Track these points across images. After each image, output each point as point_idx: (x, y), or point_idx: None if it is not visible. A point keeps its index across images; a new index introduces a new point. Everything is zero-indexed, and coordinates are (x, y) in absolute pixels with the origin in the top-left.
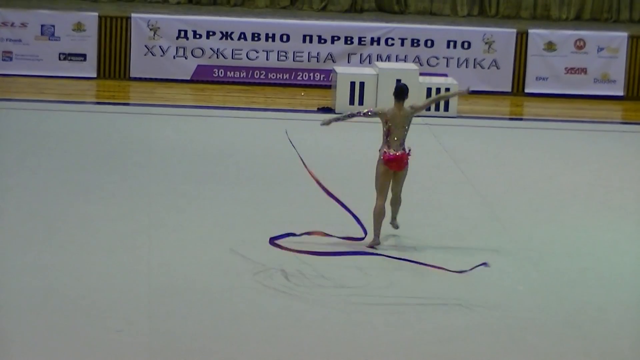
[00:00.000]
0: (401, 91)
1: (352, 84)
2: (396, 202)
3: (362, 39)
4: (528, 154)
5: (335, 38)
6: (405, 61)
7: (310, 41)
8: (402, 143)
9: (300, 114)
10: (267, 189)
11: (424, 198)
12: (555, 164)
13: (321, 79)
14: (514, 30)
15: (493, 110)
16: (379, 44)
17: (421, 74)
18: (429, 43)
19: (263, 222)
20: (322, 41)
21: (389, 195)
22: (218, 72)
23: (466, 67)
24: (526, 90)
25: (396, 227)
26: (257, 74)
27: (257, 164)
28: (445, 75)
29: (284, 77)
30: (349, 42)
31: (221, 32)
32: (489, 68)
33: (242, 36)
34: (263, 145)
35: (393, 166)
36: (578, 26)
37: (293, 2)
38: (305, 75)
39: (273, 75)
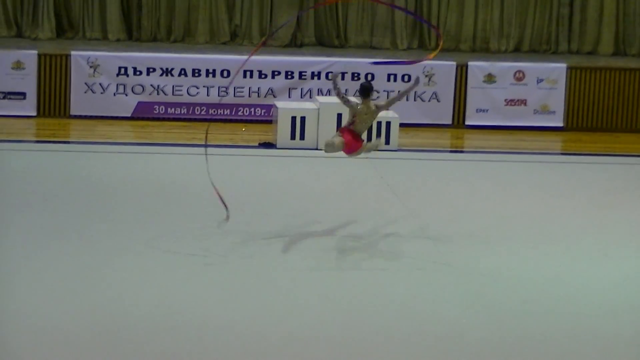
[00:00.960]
0: (365, 89)
1: (293, 118)
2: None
3: (303, 74)
4: (470, 186)
5: (276, 73)
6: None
7: (251, 76)
8: (361, 135)
9: (241, 149)
10: (213, 224)
11: (365, 232)
12: (497, 196)
13: (262, 114)
14: (454, 63)
15: (434, 143)
16: (319, 78)
17: None
18: (369, 76)
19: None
20: (263, 76)
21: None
22: (159, 108)
23: (407, 100)
24: (467, 123)
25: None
26: (198, 110)
27: (200, 200)
28: None
29: (225, 113)
30: (289, 77)
31: (161, 69)
32: (429, 101)
33: (183, 72)
34: (205, 181)
35: (345, 149)
36: (517, 58)
37: (233, 38)
38: (246, 110)
39: (214, 111)
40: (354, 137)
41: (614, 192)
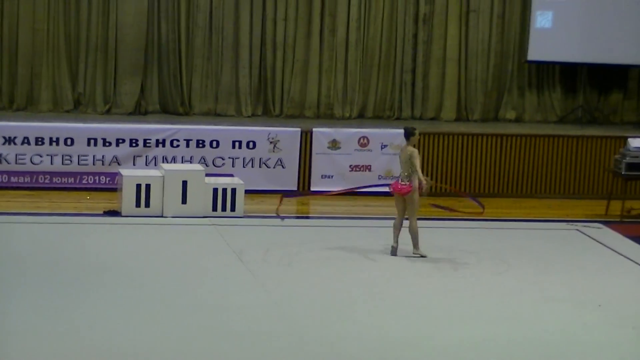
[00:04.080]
0: (405, 132)
1: (138, 186)
2: (409, 231)
3: (147, 141)
4: (317, 252)
5: (120, 140)
6: (191, 162)
7: (95, 144)
8: (405, 177)
9: (86, 217)
10: (58, 295)
11: (212, 300)
12: (342, 262)
13: (107, 182)
14: (299, 129)
15: (280, 209)
16: (164, 145)
17: (207, 175)
18: (214, 144)
19: (54, 332)
20: (107, 144)
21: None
22: (1, 177)
23: (252, 166)
24: (312, 189)
25: (421, 256)
26: (41, 178)
27: (45, 270)
28: (231, 175)
29: (69, 181)
30: (134, 145)
31: (4, 137)
32: (274, 167)
33: (26, 140)
34: (50, 250)
35: (394, 191)
36: (361, 124)
37: (77, 106)
38: (91, 178)
39: (58, 180)
40: (396, 185)
41: (455, 254)
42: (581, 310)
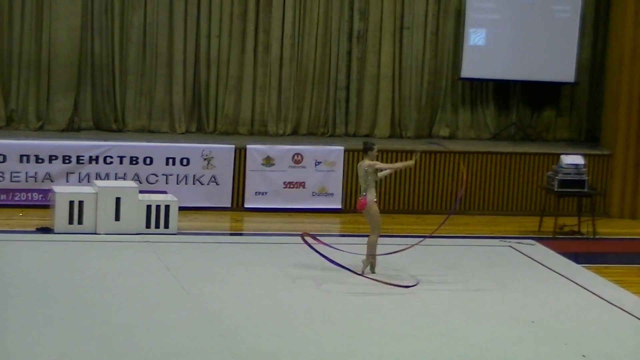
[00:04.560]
0: (363, 148)
1: (71, 203)
2: (367, 242)
3: (81, 158)
4: (249, 269)
5: (53, 157)
6: (124, 179)
7: (28, 161)
8: (363, 190)
9: (18, 234)
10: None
11: (145, 318)
12: (276, 280)
13: (39, 198)
14: (232, 146)
15: (213, 226)
16: (97, 162)
17: (141, 192)
18: (147, 160)
19: None
20: (40, 161)
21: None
22: None
23: (185, 183)
24: (246, 205)
25: (361, 273)
26: None
27: None
28: (165, 192)
29: (1, 198)
30: (67, 161)
31: None
32: (208, 184)
33: None
34: None
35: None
36: (295, 141)
37: (9, 122)
38: (23, 195)
39: None
40: (358, 200)
41: (388, 271)
42: (514, 326)
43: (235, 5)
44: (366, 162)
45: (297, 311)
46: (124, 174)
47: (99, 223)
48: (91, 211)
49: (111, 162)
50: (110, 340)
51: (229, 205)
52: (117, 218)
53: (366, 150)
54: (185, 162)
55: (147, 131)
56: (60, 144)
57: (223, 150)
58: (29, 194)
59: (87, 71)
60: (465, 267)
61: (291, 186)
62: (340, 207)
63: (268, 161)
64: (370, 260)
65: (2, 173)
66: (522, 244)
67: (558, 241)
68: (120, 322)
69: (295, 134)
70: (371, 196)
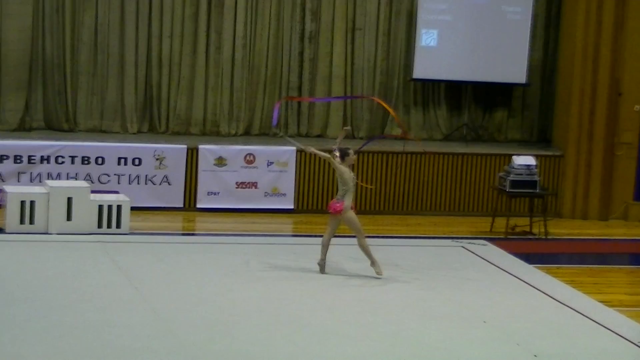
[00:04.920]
0: (340, 153)
1: (23, 202)
2: (361, 249)
3: (32, 158)
4: (201, 269)
5: (4, 157)
6: (76, 179)
7: None
8: (341, 195)
9: None
10: None
11: (97, 318)
12: (228, 280)
13: None
14: (185, 146)
15: (165, 226)
16: (49, 162)
17: (92, 192)
18: (99, 160)
19: None
20: None
21: None
22: None
23: (138, 183)
24: (198, 206)
25: (378, 274)
26: None
27: None
28: (117, 192)
29: None
30: (18, 161)
31: None
32: (160, 184)
33: None
34: None
35: (329, 210)
36: (247, 141)
37: None
38: None
39: None
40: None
41: (340, 271)
42: (466, 326)
43: (187, 6)
44: (341, 168)
45: (249, 311)
46: (76, 173)
47: (50, 223)
48: (43, 211)
49: (63, 162)
50: (61, 340)
51: (182, 206)
52: (69, 218)
53: (343, 155)
54: (137, 162)
55: (99, 131)
56: (12, 143)
57: (175, 151)
58: None
59: (39, 71)
60: (417, 267)
61: (243, 186)
62: (292, 207)
63: (220, 161)
64: (376, 261)
65: None
66: (474, 244)
67: (510, 241)
68: (72, 321)
69: (247, 134)
70: (348, 202)
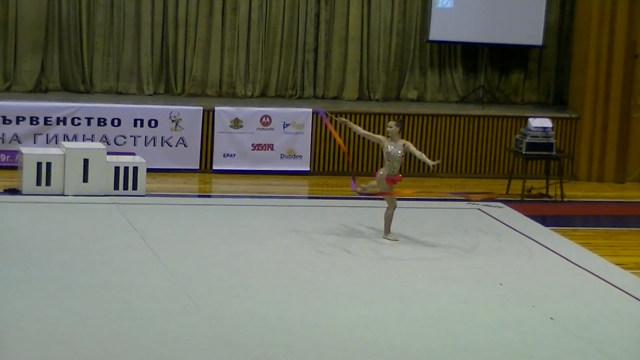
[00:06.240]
0: (398, 125)
1: (39, 164)
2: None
3: (48, 119)
4: (217, 231)
5: (21, 118)
6: (92, 140)
7: None
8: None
9: None
10: None
11: (114, 279)
12: (244, 241)
13: (7, 160)
14: (201, 108)
15: (181, 188)
16: (65, 123)
17: (109, 153)
18: (115, 122)
19: None
20: (7, 122)
21: None
22: None
23: (154, 145)
24: (214, 168)
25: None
26: None
27: None
28: (133, 154)
29: None
30: (34, 123)
31: None
32: (176, 146)
33: None
34: None
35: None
36: (263, 103)
37: None
38: None
39: None
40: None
41: (354, 233)
42: (481, 288)
43: None
44: (401, 142)
45: (265, 273)
46: (92, 135)
47: (66, 185)
48: (59, 173)
49: (79, 124)
50: (77, 302)
51: (197, 167)
52: (85, 180)
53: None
54: (153, 123)
55: (115, 92)
56: (28, 105)
57: (191, 112)
58: None
59: (55, 32)
60: (432, 229)
61: (259, 148)
62: (308, 169)
63: (236, 123)
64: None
65: None
66: (490, 206)
67: (526, 204)
68: (88, 283)
69: (263, 96)
70: (380, 173)
